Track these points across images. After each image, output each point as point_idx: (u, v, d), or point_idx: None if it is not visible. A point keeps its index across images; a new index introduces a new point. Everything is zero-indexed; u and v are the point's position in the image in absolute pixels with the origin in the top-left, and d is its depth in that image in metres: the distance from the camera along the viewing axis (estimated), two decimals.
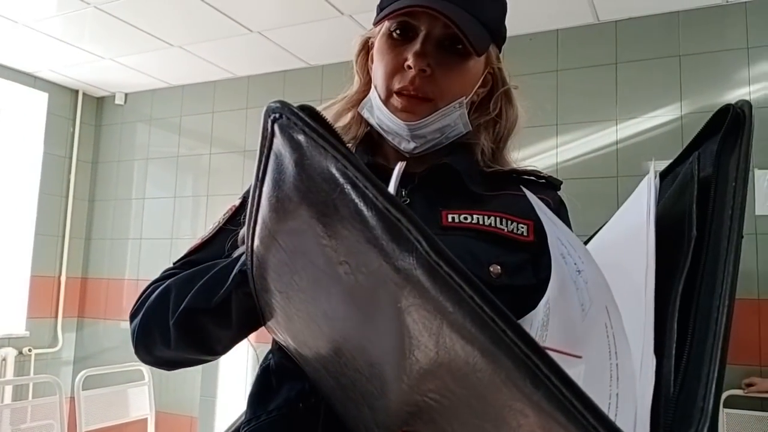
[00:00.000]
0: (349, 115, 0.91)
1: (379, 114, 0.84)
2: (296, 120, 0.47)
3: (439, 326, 0.39)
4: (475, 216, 0.79)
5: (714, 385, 0.44)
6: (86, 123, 4.57)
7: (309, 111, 0.49)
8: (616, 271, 0.57)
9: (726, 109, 0.61)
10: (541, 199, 0.80)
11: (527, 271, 0.77)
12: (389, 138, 0.85)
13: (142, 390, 3.45)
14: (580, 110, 3.13)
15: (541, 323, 0.63)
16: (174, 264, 0.84)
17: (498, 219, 0.79)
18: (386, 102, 0.82)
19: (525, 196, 0.81)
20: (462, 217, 0.78)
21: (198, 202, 4.16)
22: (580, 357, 0.52)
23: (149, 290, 0.79)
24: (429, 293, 0.39)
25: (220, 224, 0.85)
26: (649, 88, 3.02)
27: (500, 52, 0.89)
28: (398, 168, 0.78)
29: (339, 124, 0.90)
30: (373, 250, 0.42)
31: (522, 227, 0.80)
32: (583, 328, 0.54)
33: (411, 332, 0.43)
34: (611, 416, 0.45)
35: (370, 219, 0.41)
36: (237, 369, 3.76)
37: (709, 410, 0.43)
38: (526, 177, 0.87)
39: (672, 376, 0.48)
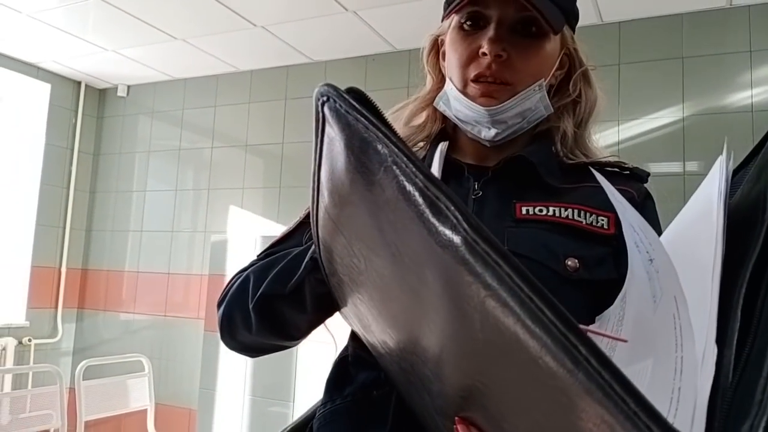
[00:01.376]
0: (424, 114, 0.91)
1: (456, 105, 0.83)
2: (342, 102, 0.48)
3: (482, 303, 0.38)
4: (551, 208, 0.77)
5: None
6: (88, 114, 4.57)
7: (355, 93, 0.49)
8: (684, 256, 0.55)
9: None
10: (624, 191, 0.79)
11: (608, 264, 0.74)
12: (467, 128, 0.84)
13: (142, 381, 3.47)
14: None
15: (617, 318, 0.60)
16: (258, 256, 0.87)
17: (576, 211, 0.76)
18: (463, 91, 0.81)
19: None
20: (537, 209, 0.76)
21: (199, 195, 4.17)
22: (626, 341, 0.50)
23: (234, 279, 0.83)
24: (469, 270, 0.38)
25: (301, 218, 0.87)
26: (651, 89, 3.02)
27: (573, 32, 0.89)
28: (440, 148, 0.78)
29: (414, 123, 0.90)
30: (415, 228, 0.42)
31: (602, 219, 0.76)
32: (655, 320, 0.52)
33: (456, 310, 0.43)
34: (673, 410, 0.44)
35: (411, 196, 0.41)
36: (237, 362, 3.78)
37: (767, 403, 0.41)
38: (609, 169, 0.84)
39: (731, 366, 0.45)
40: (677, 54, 2.99)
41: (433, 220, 0.40)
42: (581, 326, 0.34)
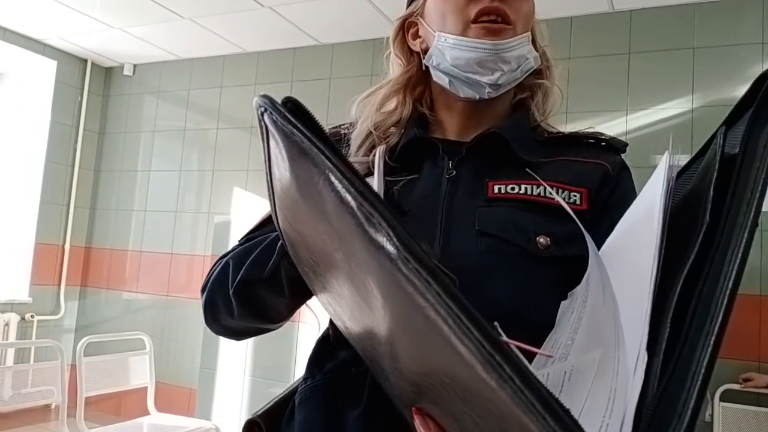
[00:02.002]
0: (395, 100, 0.90)
1: (455, 52, 0.81)
2: (277, 115, 0.49)
3: (416, 316, 0.40)
4: (523, 186, 0.77)
5: (697, 391, 0.42)
6: (94, 93, 4.56)
7: (291, 104, 0.50)
8: (625, 259, 0.55)
9: (763, 78, 0.55)
10: (599, 165, 0.80)
11: (580, 240, 0.72)
12: (467, 75, 0.82)
13: (143, 359, 3.48)
14: (591, 99, 3.11)
15: (582, 299, 0.61)
16: (239, 241, 0.87)
17: (548, 188, 0.76)
18: (465, 34, 0.80)
19: (581, 161, 0.80)
20: (509, 187, 0.77)
21: (203, 176, 4.17)
22: (551, 356, 0.51)
23: (216, 265, 0.84)
24: (404, 283, 0.39)
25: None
26: (661, 79, 3.00)
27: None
28: (380, 152, 0.79)
29: (385, 109, 0.89)
30: (356, 240, 0.43)
31: (575, 195, 0.77)
32: (604, 312, 0.53)
33: (395, 317, 0.45)
34: (608, 412, 0.45)
35: (348, 210, 0.42)
36: (237, 343, 3.79)
37: (687, 416, 0.41)
38: (585, 140, 0.84)
39: (657, 375, 0.45)
40: (688, 44, 2.96)
41: (371, 234, 0.41)
42: (508, 341, 0.37)
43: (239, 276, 0.76)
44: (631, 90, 3.05)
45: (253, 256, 0.76)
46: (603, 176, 0.79)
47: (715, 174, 0.53)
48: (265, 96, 0.51)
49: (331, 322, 0.83)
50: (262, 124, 0.53)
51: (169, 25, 3.71)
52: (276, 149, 0.53)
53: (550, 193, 0.76)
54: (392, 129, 0.88)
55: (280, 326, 0.84)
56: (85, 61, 4.48)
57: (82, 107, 4.47)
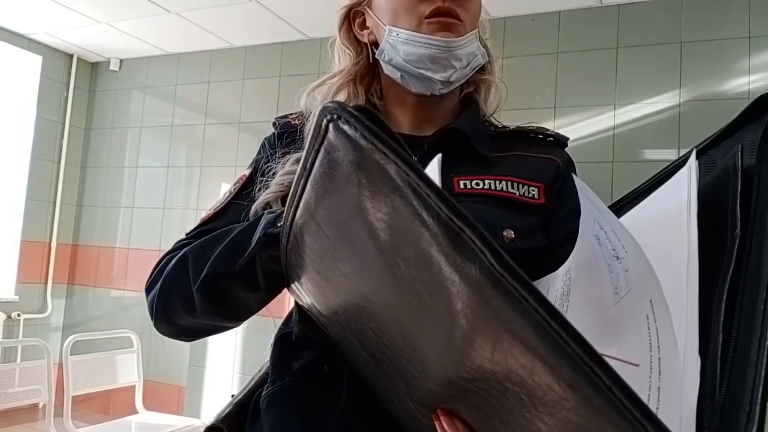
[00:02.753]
0: (345, 92, 0.89)
1: (408, 47, 0.81)
2: (356, 123, 0.47)
3: (498, 332, 0.40)
4: (486, 181, 0.79)
5: (761, 390, 0.44)
6: (80, 88, 4.52)
7: (368, 113, 0.50)
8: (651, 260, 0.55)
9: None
10: (550, 159, 0.84)
11: (539, 233, 0.77)
12: (419, 71, 0.82)
13: (131, 357, 3.46)
14: (579, 94, 3.11)
15: (560, 291, 0.62)
16: (187, 235, 0.84)
17: (509, 183, 0.79)
18: (418, 30, 0.81)
19: (533, 156, 0.83)
20: (474, 182, 0.79)
21: (191, 172, 4.14)
22: (637, 365, 0.51)
23: (164, 261, 0.80)
24: (492, 301, 0.40)
25: (232, 194, 0.85)
26: (649, 73, 3.00)
27: None
28: (437, 160, 0.78)
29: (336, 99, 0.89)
30: (432, 256, 0.43)
31: (533, 190, 0.80)
32: (617, 311, 0.54)
33: (466, 332, 0.44)
34: (653, 407, 0.46)
35: (431, 226, 0.42)
36: (226, 339, 3.78)
37: (756, 415, 0.43)
38: (533, 135, 0.87)
39: (718, 378, 0.47)
40: (676, 38, 2.97)
41: (455, 251, 0.41)
42: (604, 354, 0.38)
43: (205, 270, 0.71)
44: (618, 84, 3.06)
45: (221, 249, 0.72)
46: (556, 171, 0.83)
47: (739, 189, 0.55)
48: (338, 103, 0.50)
49: (299, 320, 0.82)
50: (321, 129, 0.51)
51: (156, 20, 3.68)
52: (330, 156, 0.51)
53: (512, 188, 0.79)
54: None
55: (239, 324, 0.79)
56: (71, 56, 4.43)
57: (68, 103, 4.42)
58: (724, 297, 0.50)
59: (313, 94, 0.90)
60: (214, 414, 0.88)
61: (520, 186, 0.79)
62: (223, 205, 0.85)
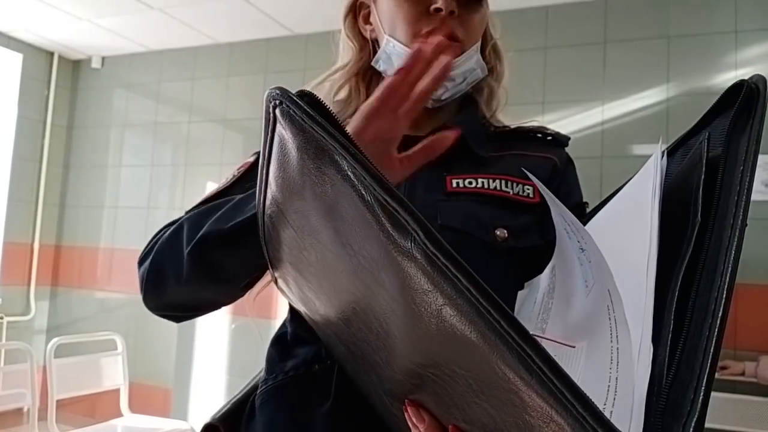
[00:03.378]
0: (347, 88, 0.89)
1: (402, 63, 0.82)
2: (295, 108, 0.48)
3: (438, 311, 0.41)
4: (479, 180, 0.78)
5: (706, 378, 0.44)
6: (62, 86, 4.45)
7: (309, 98, 0.50)
8: (617, 253, 0.56)
9: (740, 85, 0.58)
10: (547, 159, 0.84)
11: (533, 232, 0.77)
12: None
13: (116, 359, 3.41)
14: (567, 89, 3.10)
15: (547, 289, 0.63)
16: (187, 212, 0.83)
17: (503, 182, 0.79)
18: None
19: (530, 155, 0.83)
20: (467, 181, 0.78)
21: (176, 171, 4.09)
22: (573, 347, 0.52)
23: (160, 233, 0.80)
24: (429, 281, 0.40)
25: (236, 177, 0.84)
26: (637, 68, 3.00)
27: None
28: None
29: (338, 97, 0.89)
30: (373, 237, 0.44)
31: (528, 189, 0.79)
32: (588, 304, 0.55)
33: (411, 313, 0.45)
34: (611, 399, 0.47)
35: (370, 207, 0.43)
36: (213, 340, 3.74)
37: (699, 403, 0.43)
38: (532, 134, 0.87)
39: (666, 365, 0.48)
40: (663, 33, 2.96)
41: (393, 232, 0.42)
42: (534, 335, 0.38)
43: (201, 232, 0.70)
44: (606, 79, 3.05)
45: (219, 214, 0.71)
46: (552, 170, 0.83)
47: (702, 177, 0.56)
48: (280, 89, 0.51)
49: (291, 321, 0.83)
50: (270, 116, 0.52)
51: (139, 16, 3.62)
52: (284, 142, 0.52)
53: (505, 187, 0.78)
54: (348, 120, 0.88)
55: (230, 301, 0.78)
56: (52, 54, 4.37)
57: (50, 101, 4.36)
58: (678, 285, 0.51)
59: (316, 91, 0.89)
60: (211, 413, 0.87)
61: (515, 185, 0.79)
62: (229, 183, 0.85)
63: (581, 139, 3.04)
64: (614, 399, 0.47)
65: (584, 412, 0.34)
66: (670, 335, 0.49)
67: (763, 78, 0.57)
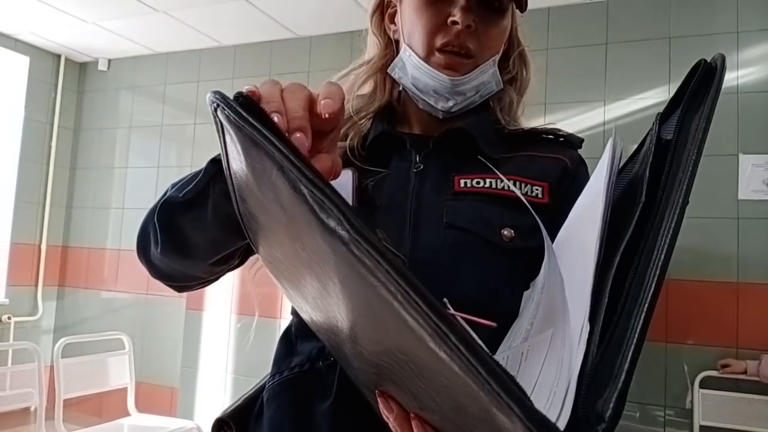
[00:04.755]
0: (372, 82, 0.90)
1: (416, 73, 0.83)
2: (229, 110, 0.50)
3: (369, 296, 0.42)
4: (487, 180, 0.79)
5: (630, 354, 0.45)
6: (68, 89, 4.48)
7: (243, 99, 0.52)
8: (576, 239, 0.59)
9: (697, 66, 0.58)
10: (558, 159, 0.83)
11: (542, 233, 0.77)
12: (424, 98, 0.85)
13: (123, 359, 3.44)
14: (569, 90, 3.11)
15: (541, 285, 0.64)
16: None
17: (512, 182, 0.78)
18: (427, 59, 0.81)
19: (541, 156, 0.83)
20: (474, 181, 0.78)
21: (182, 172, 4.03)
22: (494, 325, 0.53)
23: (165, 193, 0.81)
24: (356, 265, 0.41)
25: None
26: (639, 69, 3.01)
27: (522, 12, 0.90)
28: (352, 175, 0.78)
29: (362, 92, 0.90)
30: (310, 227, 0.45)
31: (537, 189, 0.79)
32: (557, 293, 0.56)
33: (352, 300, 0.47)
34: (557, 381, 0.48)
35: (302, 199, 0.44)
36: (219, 340, 3.76)
37: (621, 379, 0.44)
38: (545, 136, 0.87)
39: (595, 344, 0.49)
40: (665, 34, 2.97)
41: (324, 220, 0.43)
42: (454, 314, 0.40)
43: (163, 198, 0.72)
44: (608, 80, 3.06)
45: (181, 182, 0.72)
46: (563, 171, 0.82)
47: (651, 156, 0.56)
48: (216, 92, 0.53)
49: (294, 315, 0.84)
50: (216, 119, 0.54)
51: (144, 19, 3.65)
52: (231, 144, 0.54)
53: (514, 187, 0.78)
54: (370, 116, 0.89)
55: (209, 277, 0.78)
56: (59, 56, 4.39)
57: (56, 104, 4.39)
58: (614, 265, 0.51)
59: (341, 83, 0.90)
60: (217, 413, 0.88)
61: (524, 185, 0.79)
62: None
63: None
64: (558, 380, 0.48)
65: (498, 389, 0.35)
66: (603, 314, 0.50)
67: (722, 56, 0.57)
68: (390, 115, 0.89)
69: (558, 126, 0.90)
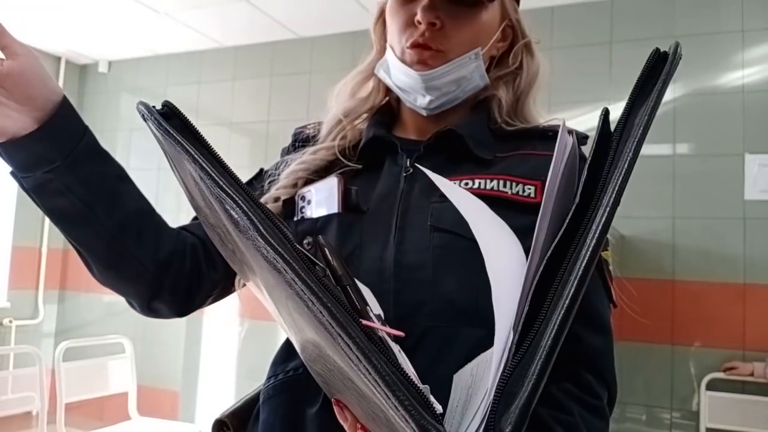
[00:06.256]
0: (369, 85, 0.91)
1: (395, 71, 0.84)
2: (151, 121, 0.53)
3: (287, 303, 0.45)
4: (476, 181, 0.77)
5: (537, 371, 0.45)
6: (69, 91, 4.46)
7: (167, 109, 0.54)
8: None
9: (651, 56, 0.57)
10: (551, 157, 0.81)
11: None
12: (406, 96, 0.85)
13: (124, 363, 3.43)
14: (573, 89, 3.09)
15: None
16: (193, 218, 0.91)
17: (502, 182, 0.77)
18: (401, 58, 0.83)
19: (537, 154, 0.81)
20: (463, 183, 0.77)
21: None
22: (402, 335, 0.54)
23: None
24: (272, 274, 0.43)
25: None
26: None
27: (518, 3, 0.90)
28: (337, 182, 0.80)
29: (360, 95, 0.91)
30: (233, 229, 0.47)
31: (528, 189, 0.77)
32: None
33: (281, 302, 0.48)
34: (489, 389, 0.48)
35: (219, 206, 0.47)
36: (221, 343, 3.75)
37: (528, 389, 0.44)
38: (545, 133, 0.85)
39: (511, 352, 0.49)
40: (669, 33, 2.96)
41: (239, 223, 0.45)
42: (369, 324, 0.42)
43: None
44: (613, 79, 3.04)
45: None
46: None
47: (591, 154, 0.56)
48: (141, 103, 0.55)
49: None
50: (150, 128, 0.56)
51: (145, 21, 3.64)
52: (165, 151, 0.58)
53: (504, 187, 0.77)
54: (364, 115, 0.90)
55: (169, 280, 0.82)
56: (59, 58, 4.39)
57: None
58: (540, 269, 0.51)
59: (341, 91, 0.92)
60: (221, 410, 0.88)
61: (514, 185, 0.77)
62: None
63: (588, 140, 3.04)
64: (481, 387, 0.49)
65: (395, 401, 0.37)
66: (521, 322, 0.50)
67: (676, 43, 0.55)
68: (387, 118, 0.90)
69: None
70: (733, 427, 2.64)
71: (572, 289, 0.47)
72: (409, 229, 0.76)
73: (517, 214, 0.74)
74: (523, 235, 0.74)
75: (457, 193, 0.68)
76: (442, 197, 0.77)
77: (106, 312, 4.23)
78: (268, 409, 0.79)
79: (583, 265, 0.47)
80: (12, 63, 0.69)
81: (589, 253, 0.47)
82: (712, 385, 2.70)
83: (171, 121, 0.52)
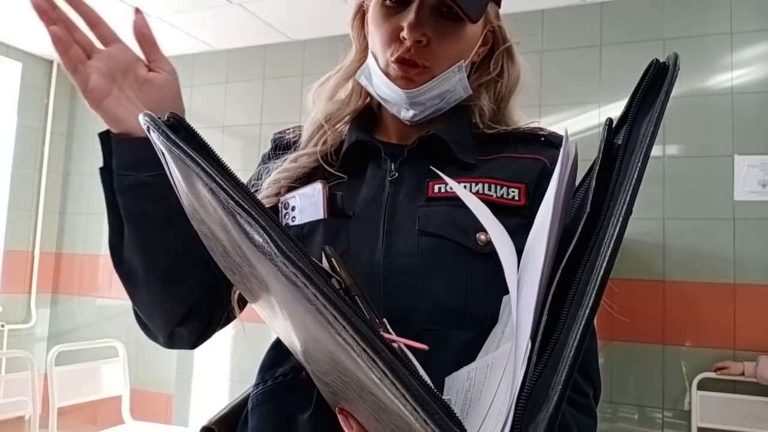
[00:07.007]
0: (349, 86, 0.90)
1: (377, 82, 0.83)
2: (158, 132, 0.52)
3: (304, 316, 0.43)
4: (461, 184, 0.77)
5: (565, 374, 0.44)
6: (61, 94, 4.46)
7: (174, 120, 0.53)
8: (530, 253, 0.58)
9: (648, 68, 0.56)
10: (537, 160, 0.81)
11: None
12: (388, 106, 0.84)
13: (117, 366, 3.42)
14: (564, 92, 3.11)
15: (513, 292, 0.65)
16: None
17: (486, 185, 0.77)
18: (385, 71, 0.81)
19: (520, 157, 0.81)
20: (448, 187, 0.76)
21: None
22: (426, 348, 0.54)
23: None
24: (287, 287, 0.42)
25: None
26: (633, 70, 2.98)
27: (499, 6, 0.88)
28: (321, 188, 0.79)
29: (338, 97, 0.89)
30: (245, 246, 0.46)
31: (513, 191, 0.77)
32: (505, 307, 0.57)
33: (292, 319, 0.48)
34: (505, 400, 0.48)
35: (231, 221, 0.46)
36: (214, 346, 3.74)
37: (554, 400, 0.44)
38: (526, 136, 0.85)
39: (534, 361, 0.48)
40: (659, 35, 2.98)
41: (254, 240, 0.44)
42: (392, 338, 0.43)
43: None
44: (603, 82, 3.06)
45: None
46: (541, 171, 0.80)
47: (599, 164, 0.55)
48: (146, 114, 0.54)
49: None
50: (153, 141, 0.55)
51: None
52: (168, 163, 0.56)
53: (488, 190, 0.77)
54: (346, 118, 0.89)
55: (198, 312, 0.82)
56: (51, 62, 4.38)
57: (49, 110, 4.37)
58: (556, 280, 0.51)
59: (319, 92, 0.90)
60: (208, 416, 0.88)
61: (498, 188, 0.77)
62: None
63: (578, 142, 3.04)
64: (505, 399, 0.48)
65: (424, 415, 0.37)
66: (541, 332, 0.50)
67: (675, 54, 0.55)
68: (368, 122, 0.89)
69: (552, 128, 0.88)
70: (724, 426, 2.66)
71: (591, 300, 0.47)
72: (397, 233, 0.75)
73: (502, 217, 0.73)
74: (510, 237, 0.74)
75: (473, 200, 0.67)
76: (428, 200, 0.77)
77: (98, 316, 4.21)
78: (258, 416, 0.78)
79: (601, 274, 0.47)
80: (156, 74, 0.77)
81: (605, 262, 0.48)
82: (704, 385, 2.72)
83: (178, 133, 0.51)
